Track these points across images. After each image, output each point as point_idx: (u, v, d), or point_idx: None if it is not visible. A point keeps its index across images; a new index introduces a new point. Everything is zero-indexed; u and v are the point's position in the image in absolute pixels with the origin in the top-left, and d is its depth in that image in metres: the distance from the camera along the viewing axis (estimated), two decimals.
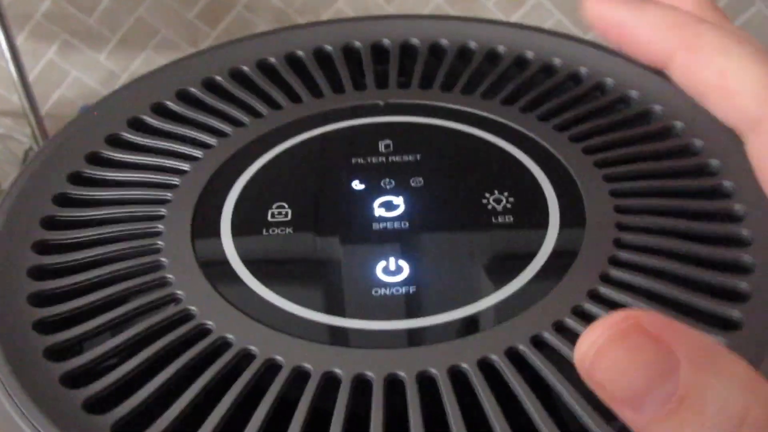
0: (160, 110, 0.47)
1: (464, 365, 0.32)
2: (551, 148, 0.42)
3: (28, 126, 1.21)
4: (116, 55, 1.29)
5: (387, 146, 0.43)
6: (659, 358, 0.22)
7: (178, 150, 0.43)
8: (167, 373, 0.32)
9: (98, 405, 0.32)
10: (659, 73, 0.44)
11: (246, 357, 0.33)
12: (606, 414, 0.30)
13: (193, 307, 0.35)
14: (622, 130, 0.43)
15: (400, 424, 0.30)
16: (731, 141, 0.40)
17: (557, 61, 0.49)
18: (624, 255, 0.36)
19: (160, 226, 0.39)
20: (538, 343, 0.33)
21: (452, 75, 0.48)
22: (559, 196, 0.39)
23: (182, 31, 1.26)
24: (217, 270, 0.36)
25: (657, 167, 0.41)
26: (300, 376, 0.32)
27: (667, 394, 0.22)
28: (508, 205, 0.39)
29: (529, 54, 0.49)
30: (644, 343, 0.23)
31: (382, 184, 0.41)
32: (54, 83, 1.30)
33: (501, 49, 0.50)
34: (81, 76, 1.29)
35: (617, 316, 0.23)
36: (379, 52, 0.51)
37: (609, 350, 0.23)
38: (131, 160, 0.43)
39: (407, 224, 0.38)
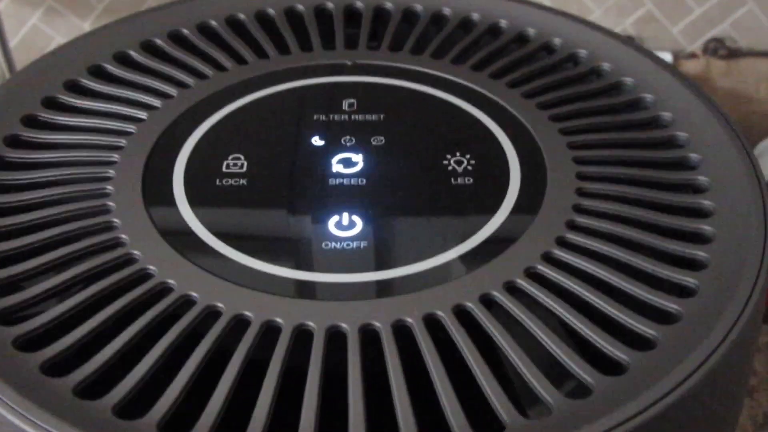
0: (123, 59, 0.46)
1: (408, 320, 0.31)
2: (518, 114, 0.41)
3: None
4: (101, 22, 1.27)
5: (351, 105, 0.42)
6: None
7: (137, 98, 0.42)
8: (104, 315, 0.31)
9: (32, 343, 0.31)
10: (637, 48, 0.43)
11: (186, 303, 0.32)
12: (549, 374, 0.29)
13: (137, 252, 0.34)
14: (589, 100, 0.43)
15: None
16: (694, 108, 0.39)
17: (531, 31, 0.48)
18: (583, 220, 0.35)
19: (111, 172, 0.38)
20: (487, 302, 0.32)
21: (423, 39, 0.47)
22: (522, 164, 0.38)
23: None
24: (166, 218, 0.35)
25: (623, 138, 0.40)
26: (239, 324, 0.31)
27: None
28: (469, 167, 0.38)
29: (503, 23, 0.48)
30: None
31: (342, 141, 0.40)
32: (37, 49, 1.28)
33: (475, 17, 0.49)
34: (64, 42, 1.27)
35: None
36: (351, 14, 0.50)
37: None
38: (88, 107, 0.42)
39: (364, 181, 0.38)
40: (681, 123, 0.41)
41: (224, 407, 0.28)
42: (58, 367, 0.30)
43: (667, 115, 0.41)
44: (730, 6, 1.26)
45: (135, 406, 0.29)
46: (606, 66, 0.45)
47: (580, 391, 0.29)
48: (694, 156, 0.39)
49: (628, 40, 0.46)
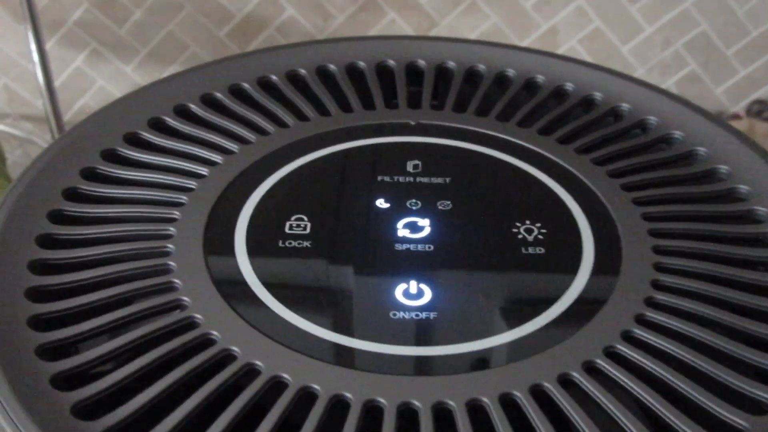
0: (183, 112, 0.45)
1: (484, 399, 0.29)
2: (589, 182, 0.40)
3: (49, 132, 1.20)
4: (144, 67, 1.28)
5: (416, 167, 0.41)
6: None
7: (198, 154, 0.42)
8: (165, 383, 0.30)
9: (89, 410, 0.29)
10: (706, 116, 0.42)
11: (250, 372, 0.31)
12: None
13: (199, 316, 0.32)
14: (662, 169, 0.41)
15: None
16: None
17: (598, 96, 0.47)
18: (662, 297, 0.34)
19: (172, 230, 0.37)
20: (565, 382, 0.30)
21: (487, 101, 0.47)
22: (595, 234, 0.37)
23: (211, 48, 1.25)
24: (227, 281, 0.34)
25: (699, 210, 0.39)
26: (307, 397, 0.30)
27: None
28: (540, 236, 0.37)
29: (569, 86, 0.48)
30: None
31: (408, 204, 0.39)
32: (79, 91, 1.29)
33: (540, 79, 0.48)
34: (106, 85, 1.28)
35: None
36: (413, 72, 0.49)
37: None
38: (148, 161, 0.41)
39: (431, 247, 0.36)
40: (759, 196, 0.39)
41: None
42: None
43: (743, 188, 0.40)
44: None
45: None
46: (677, 135, 0.43)
47: None
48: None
49: (697, 107, 0.45)
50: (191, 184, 0.39)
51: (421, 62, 0.50)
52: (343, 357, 0.31)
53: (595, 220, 0.38)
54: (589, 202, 0.39)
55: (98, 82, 1.32)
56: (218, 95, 0.46)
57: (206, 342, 0.32)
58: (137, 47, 1.29)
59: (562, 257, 0.36)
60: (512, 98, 0.47)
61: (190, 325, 0.32)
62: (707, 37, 1.23)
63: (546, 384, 0.30)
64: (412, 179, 0.41)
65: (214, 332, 0.32)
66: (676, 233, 0.37)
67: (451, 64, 0.50)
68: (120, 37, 1.27)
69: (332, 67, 0.49)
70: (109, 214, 0.38)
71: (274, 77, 0.48)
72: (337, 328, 0.32)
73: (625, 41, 1.25)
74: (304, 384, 0.30)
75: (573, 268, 0.35)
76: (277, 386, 0.30)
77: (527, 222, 0.38)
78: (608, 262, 0.35)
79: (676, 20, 1.22)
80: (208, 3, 1.23)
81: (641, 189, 0.40)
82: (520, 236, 0.37)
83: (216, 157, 0.41)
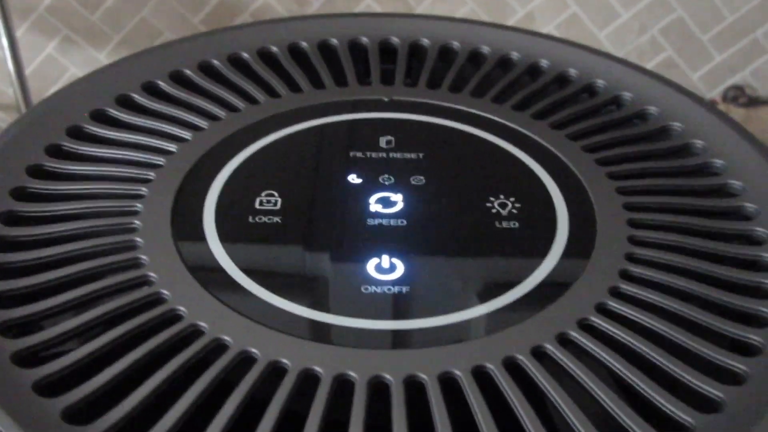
0: (152, 89, 0.44)
1: (456, 372, 0.29)
2: (563, 156, 0.40)
3: None
4: (116, 54, 1.26)
5: (389, 142, 0.41)
6: None
7: (166, 130, 0.41)
8: (130, 359, 0.29)
9: (52, 388, 0.29)
10: (681, 90, 0.42)
11: (218, 348, 0.30)
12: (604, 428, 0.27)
13: (166, 292, 0.32)
14: (636, 144, 0.41)
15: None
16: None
17: (573, 72, 0.46)
18: (637, 269, 0.33)
19: (139, 206, 0.36)
20: (538, 354, 0.30)
21: (461, 77, 0.46)
22: (570, 207, 0.37)
23: (185, 35, 1.23)
24: (195, 256, 0.34)
25: (674, 184, 0.38)
26: (277, 372, 0.29)
27: None
28: (514, 211, 0.36)
29: (544, 63, 0.47)
30: None
31: (380, 179, 0.38)
32: (51, 79, 1.27)
33: (514, 56, 0.48)
34: (78, 73, 1.26)
35: None
36: (386, 50, 0.49)
37: None
38: (115, 137, 0.40)
39: (404, 222, 0.36)
40: (733, 170, 0.39)
41: None
42: (81, 413, 0.28)
43: (718, 162, 0.39)
44: (751, 54, 1.25)
45: None
46: (652, 110, 0.43)
47: None
48: (749, 206, 0.37)
49: (671, 82, 0.45)
50: (159, 160, 0.39)
51: (395, 39, 0.49)
52: (314, 331, 0.31)
53: (569, 194, 0.37)
54: (563, 176, 0.39)
55: (70, 70, 1.30)
56: (187, 72, 0.45)
57: (174, 318, 0.31)
58: (110, 34, 1.27)
59: (537, 231, 0.35)
60: (486, 75, 0.46)
61: (157, 300, 0.32)
62: (683, 22, 1.23)
63: (519, 356, 0.29)
64: (384, 155, 0.40)
65: (182, 308, 0.31)
66: (650, 207, 0.37)
67: (424, 41, 0.49)
68: (92, 23, 1.25)
69: (304, 44, 0.48)
70: (75, 191, 0.37)
71: (244, 54, 0.47)
72: (307, 303, 0.32)
73: (601, 27, 1.25)
74: (273, 359, 0.29)
75: (547, 242, 0.35)
76: (245, 361, 0.29)
77: (501, 196, 0.37)
78: (583, 235, 0.35)
79: (652, 6, 1.22)
80: None
81: (616, 164, 0.39)
82: (494, 210, 0.36)
83: (185, 134, 0.40)
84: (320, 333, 0.31)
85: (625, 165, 0.39)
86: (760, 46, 1.24)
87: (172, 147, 0.39)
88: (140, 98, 0.43)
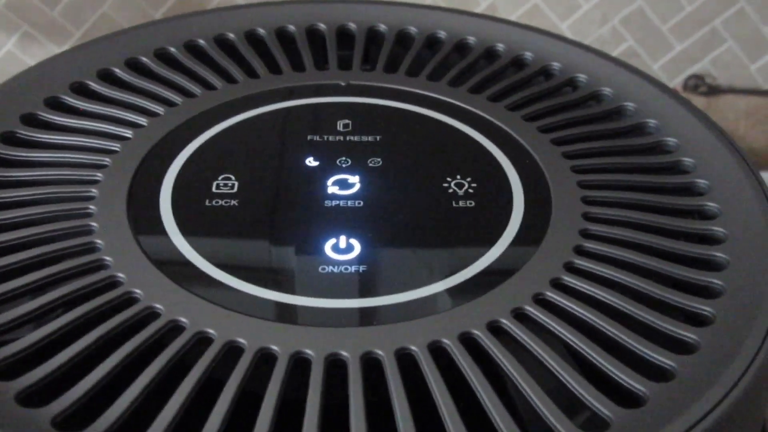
0: (107, 76, 0.44)
1: (413, 348, 0.29)
2: (519, 137, 0.40)
3: None
4: None
5: (345, 126, 0.41)
6: None
7: (122, 116, 0.40)
8: (83, 343, 0.29)
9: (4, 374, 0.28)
10: (634, 71, 0.42)
11: (174, 329, 0.30)
12: (562, 405, 0.28)
13: (121, 275, 0.32)
14: (591, 124, 0.41)
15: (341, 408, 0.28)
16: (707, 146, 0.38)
17: (528, 56, 0.47)
18: (591, 245, 0.34)
19: (94, 191, 0.35)
20: (494, 329, 0.30)
21: (418, 62, 0.46)
22: (525, 186, 0.37)
23: None
24: (151, 238, 0.33)
25: (628, 162, 0.39)
26: (233, 352, 0.29)
27: None
28: (470, 190, 0.37)
29: (500, 47, 0.47)
30: None
31: (337, 162, 0.38)
32: (10, 75, 1.25)
33: (471, 40, 0.48)
34: None
35: None
36: (343, 36, 0.49)
37: None
38: (70, 124, 0.40)
39: (361, 203, 0.36)
40: (686, 148, 0.39)
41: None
42: (36, 396, 0.27)
43: (671, 140, 0.40)
44: (710, 43, 1.26)
45: None
46: (606, 91, 0.44)
47: (595, 424, 0.28)
48: (701, 182, 0.37)
49: (628, 65, 0.45)
50: (115, 146, 0.38)
51: (352, 25, 0.49)
52: (270, 311, 0.31)
53: (525, 173, 0.38)
54: (519, 156, 0.39)
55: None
56: (143, 59, 0.45)
57: (129, 300, 0.31)
58: (71, 29, 1.26)
59: (493, 210, 0.36)
60: (443, 59, 0.46)
61: (111, 284, 0.31)
62: (643, 13, 1.24)
63: (475, 331, 0.30)
64: (342, 138, 0.40)
65: (137, 290, 0.31)
66: (604, 184, 0.37)
67: (382, 27, 0.49)
68: (52, 18, 1.24)
69: (261, 30, 0.48)
70: (28, 178, 0.37)
71: (201, 41, 0.47)
72: (263, 283, 0.32)
73: (563, 18, 1.25)
74: (229, 338, 0.29)
75: (503, 220, 0.35)
76: (201, 342, 0.29)
77: (458, 177, 0.38)
78: (538, 213, 0.35)
79: None
80: None
81: (570, 143, 0.40)
82: (450, 191, 0.37)
83: (141, 120, 0.40)
84: (277, 312, 0.31)
85: (579, 144, 0.40)
86: (719, 35, 1.25)
87: (128, 133, 0.39)
88: (95, 85, 0.43)
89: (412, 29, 0.49)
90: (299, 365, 0.29)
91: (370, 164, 0.38)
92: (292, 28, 0.48)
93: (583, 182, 0.37)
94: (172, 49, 0.46)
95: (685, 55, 1.27)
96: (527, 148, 0.39)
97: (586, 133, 0.41)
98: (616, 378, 0.29)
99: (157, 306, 0.30)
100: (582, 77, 0.45)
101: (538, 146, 0.39)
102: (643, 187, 0.37)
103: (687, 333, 0.30)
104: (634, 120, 0.42)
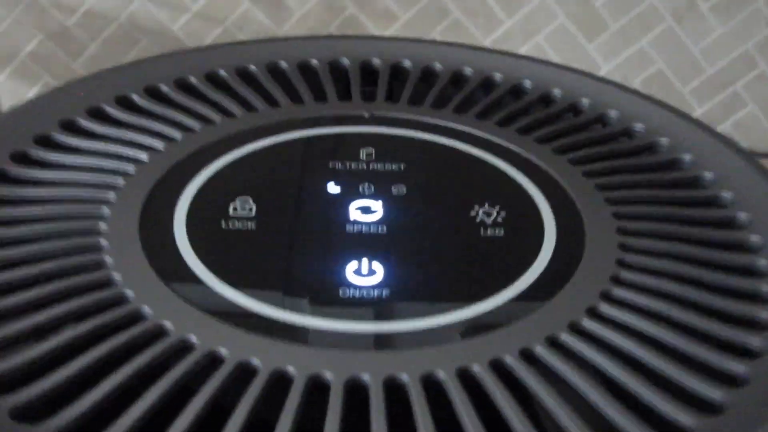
0: (125, 102, 0.43)
1: (440, 373, 0.27)
2: (549, 169, 0.38)
3: None
4: None
5: (369, 155, 0.39)
6: None
7: (138, 141, 0.39)
8: (89, 358, 0.27)
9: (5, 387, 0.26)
10: (666, 107, 0.41)
11: (185, 348, 0.28)
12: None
13: (129, 292, 0.30)
14: (625, 158, 0.40)
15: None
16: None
17: (557, 92, 0.45)
18: (628, 274, 0.32)
19: (106, 210, 0.34)
20: (527, 356, 0.28)
21: (443, 97, 0.45)
22: (557, 216, 0.35)
23: None
24: (163, 257, 0.32)
25: (662, 195, 0.37)
26: (245, 373, 0.27)
27: None
28: (499, 219, 0.35)
29: (527, 83, 0.46)
30: None
31: (360, 188, 0.37)
32: None
33: (497, 77, 0.47)
34: None
35: None
36: (367, 71, 0.48)
37: None
38: (85, 147, 0.39)
39: (384, 229, 0.34)
40: (723, 182, 0.38)
41: None
42: (32, 413, 0.26)
43: (708, 174, 0.38)
44: (732, 107, 1.26)
45: None
46: (638, 126, 0.42)
47: None
48: (741, 215, 0.36)
49: (659, 101, 0.44)
50: (129, 168, 0.37)
51: (376, 61, 0.48)
52: (287, 333, 0.29)
53: (556, 204, 0.36)
54: (550, 187, 0.37)
55: None
56: (163, 87, 0.44)
57: (136, 317, 0.29)
58: None
59: (523, 238, 0.34)
60: (469, 94, 0.45)
61: (119, 301, 0.30)
62: (664, 75, 1.24)
63: (507, 357, 0.28)
64: (365, 166, 0.39)
65: (145, 307, 0.29)
66: (639, 215, 0.35)
67: (406, 63, 0.48)
68: (74, 71, 1.25)
69: (283, 64, 0.47)
70: (40, 196, 0.35)
71: (222, 72, 0.46)
72: (281, 305, 0.30)
73: None
74: (241, 359, 0.27)
75: (535, 249, 0.33)
76: (212, 362, 0.27)
77: (486, 205, 0.36)
78: (571, 242, 0.34)
79: (632, 58, 1.23)
80: (164, 36, 1.22)
81: (603, 175, 0.38)
82: (478, 219, 0.35)
83: (157, 144, 0.39)
84: (293, 334, 0.29)
85: (612, 177, 0.38)
86: (741, 98, 1.25)
87: (143, 156, 0.38)
88: (112, 110, 0.42)
89: (437, 66, 0.48)
90: (316, 389, 0.27)
91: (394, 191, 0.37)
92: (314, 62, 0.47)
93: (617, 213, 0.35)
94: (193, 79, 0.45)
95: (707, 117, 1.26)
96: (558, 179, 0.38)
97: (619, 167, 0.39)
98: (658, 410, 0.26)
99: (166, 324, 0.28)
100: (613, 113, 0.43)
101: (570, 178, 0.38)
102: (680, 219, 0.35)
103: (735, 365, 0.28)
104: (668, 155, 0.40)
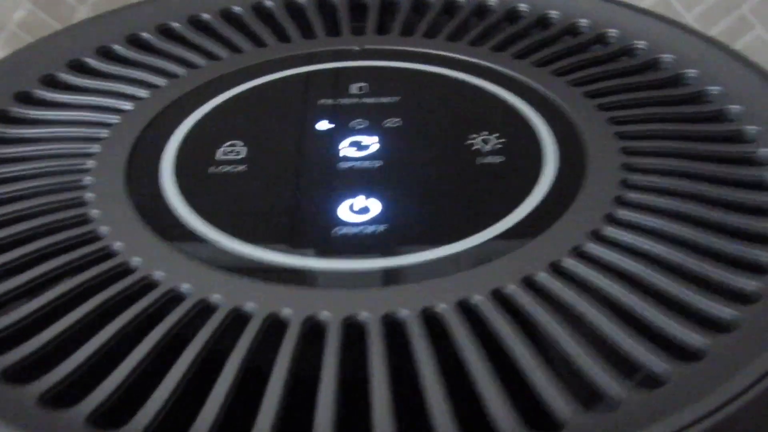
0: (107, 53, 0.41)
1: (441, 306, 0.26)
2: (548, 91, 0.37)
3: None
4: None
5: (361, 89, 0.38)
6: None
7: (121, 90, 0.38)
8: (79, 313, 0.26)
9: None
10: (670, 22, 0.39)
11: (175, 298, 0.27)
12: (604, 356, 0.24)
13: (118, 244, 0.29)
14: (626, 77, 0.38)
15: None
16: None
17: (554, 14, 0.44)
18: (633, 194, 0.30)
19: (90, 162, 0.33)
20: (530, 284, 0.27)
21: (436, 26, 0.43)
22: (558, 140, 0.34)
23: None
24: (151, 206, 0.31)
25: (667, 112, 0.36)
26: (239, 320, 0.26)
27: None
28: (499, 145, 0.34)
29: (523, 7, 0.44)
30: None
31: (352, 124, 0.35)
32: None
33: (492, 1, 0.45)
34: None
35: None
36: (356, 6, 0.46)
37: None
38: (68, 100, 0.38)
39: (379, 163, 0.33)
40: (730, 96, 0.36)
41: (222, 412, 0.23)
42: (25, 373, 0.25)
43: (714, 89, 0.37)
44: (739, 31, 1.23)
45: (116, 414, 0.24)
46: (641, 44, 0.40)
47: (648, 382, 0.24)
48: (750, 128, 0.34)
49: (660, 16, 0.42)
50: (113, 119, 0.36)
51: None
52: (280, 275, 0.28)
53: (557, 127, 0.35)
54: (549, 111, 0.36)
55: None
56: (145, 35, 0.42)
57: (125, 270, 0.28)
58: None
59: (523, 164, 0.33)
60: (463, 21, 0.43)
61: (107, 255, 0.29)
62: (667, 1, 1.21)
63: (509, 286, 0.27)
64: (357, 100, 0.37)
65: (135, 259, 0.28)
66: (644, 135, 0.34)
67: None
68: None
69: (269, 2, 0.45)
70: (22, 154, 0.34)
71: (205, 15, 0.44)
72: (272, 247, 0.29)
73: None
74: (234, 305, 0.26)
75: (535, 174, 0.32)
76: (205, 310, 0.26)
77: (484, 133, 0.34)
78: (573, 165, 0.32)
79: None
80: None
81: (605, 95, 0.37)
82: (475, 147, 0.34)
83: (141, 93, 0.38)
84: (285, 276, 0.28)
85: (615, 96, 0.36)
86: (748, 22, 1.22)
87: (127, 106, 0.37)
88: (95, 62, 0.40)
89: None
90: (313, 331, 0.26)
91: (388, 125, 0.35)
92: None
93: (620, 132, 0.34)
94: (175, 24, 0.43)
95: None
96: (558, 102, 0.36)
97: (622, 86, 0.37)
98: (671, 332, 0.25)
99: (156, 274, 0.27)
100: (613, 32, 0.42)
101: (570, 100, 0.36)
102: (686, 136, 0.34)
103: (748, 282, 0.27)
104: (671, 71, 0.38)
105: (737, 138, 0.34)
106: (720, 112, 0.36)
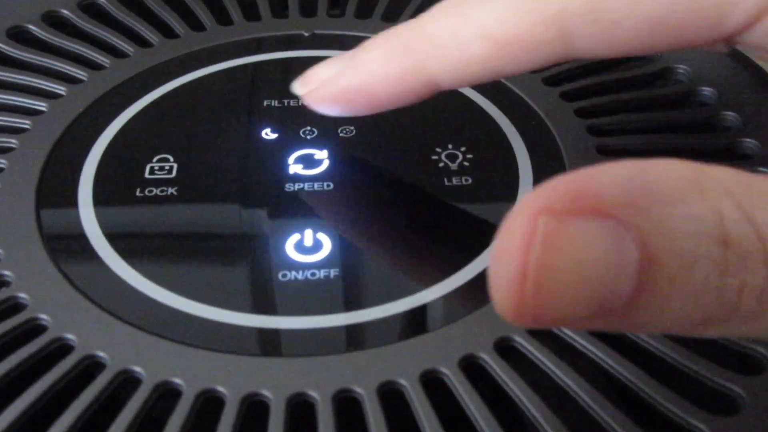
0: (18, 35, 0.36)
1: (401, 381, 0.22)
2: (519, 90, 0.33)
3: None
4: None
5: None
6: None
7: (35, 85, 0.33)
8: None
9: None
10: None
11: (93, 366, 0.23)
12: None
13: (23, 295, 0.25)
14: (598, 75, 0.34)
15: None
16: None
17: None
18: None
19: None
20: (504, 348, 0.23)
21: (396, 3, 0.39)
22: (532, 154, 0.30)
23: None
24: (67, 244, 0.26)
25: (648, 118, 0.32)
26: (166, 395, 0.22)
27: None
28: (466, 163, 0.30)
29: None
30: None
31: (301, 133, 0.31)
32: None
33: None
34: None
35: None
36: None
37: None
38: None
39: (331, 185, 0.29)
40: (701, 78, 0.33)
41: None
42: None
43: (681, 67, 0.33)
44: None
45: None
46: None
47: None
48: (729, 114, 0.31)
49: None
50: (24, 123, 0.31)
51: None
52: (212, 338, 0.24)
53: (529, 133, 0.31)
54: (521, 113, 0.32)
55: None
56: (65, 12, 0.37)
57: (35, 329, 0.24)
58: None
59: (495, 185, 0.29)
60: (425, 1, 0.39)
61: (13, 307, 0.24)
62: None
63: (480, 354, 0.23)
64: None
65: (43, 316, 0.24)
66: (629, 150, 0.30)
67: None
68: None
69: None
70: None
71: None
72: (203, 298, 0.25)
73: None
74: (160, 379, 0.22)
75: (509, 201, 0.28)
76: (125, 383, 0.23)
77: (449, 146, 0.30)
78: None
79: None
80: None
81: (584, 98, 0.33)
82: (441, 164, 0.30)
83: (59, 89, 0.33)
84: (220, 339, 0.24)
85: (593, 99, 0.33)
86: None
87: (41, 105, 0.32)
88: (4, 46, 0.35)
89: None
90: (254, 409, 0.22)
91: (342, 134, 0.31)
92: None
93: (600, 146, 0.30)
94: (101, 0, 0.38)
95: None
96: (530, 103, 0.32)
97: (600, 86, 0.33)
98: (663, 411, 0.22)
99: (69, 336, 0.23)
100: None
101: (544, 101, 0.32)
102: (676, 149, 0.30)
103: None
104: (654, 67, 0.35)
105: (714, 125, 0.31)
106: (693, 93, 0.32)
